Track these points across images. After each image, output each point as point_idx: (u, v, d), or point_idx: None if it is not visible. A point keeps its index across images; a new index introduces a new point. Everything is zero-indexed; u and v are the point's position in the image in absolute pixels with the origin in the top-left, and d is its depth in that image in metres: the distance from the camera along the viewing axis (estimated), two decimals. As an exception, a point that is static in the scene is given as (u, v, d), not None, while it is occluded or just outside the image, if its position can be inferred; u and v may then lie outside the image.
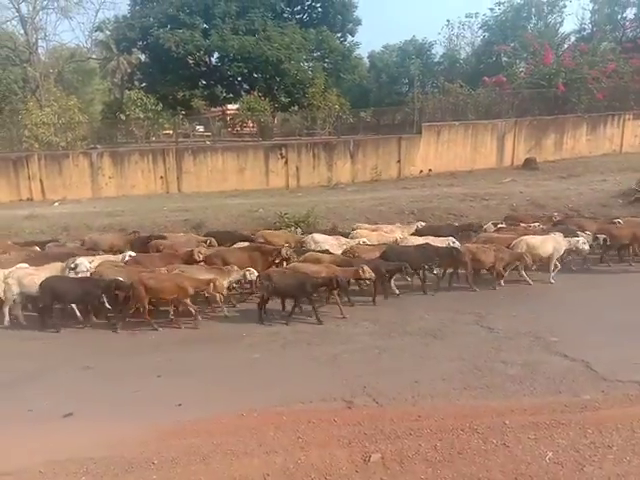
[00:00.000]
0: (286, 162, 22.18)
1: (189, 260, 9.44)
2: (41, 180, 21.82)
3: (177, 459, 4.50)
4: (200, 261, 9.40)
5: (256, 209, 16.36)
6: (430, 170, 22.46)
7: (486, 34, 33.88)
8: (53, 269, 8.79)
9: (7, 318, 8.45)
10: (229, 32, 26.38)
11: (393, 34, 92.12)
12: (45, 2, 30.37)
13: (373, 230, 12.04)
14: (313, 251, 10.08)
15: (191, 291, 8.04)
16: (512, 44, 30.27)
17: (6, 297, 8.41)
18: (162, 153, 22.43)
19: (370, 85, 36.10)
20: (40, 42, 32.04)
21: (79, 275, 8.52)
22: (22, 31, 30.87)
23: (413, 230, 11.99)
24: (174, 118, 26.65)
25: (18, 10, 29.82)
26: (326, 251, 10.00)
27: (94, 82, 40.25)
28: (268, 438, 4.80)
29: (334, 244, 10.63)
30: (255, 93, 25.66)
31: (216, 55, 28.70)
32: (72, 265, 8.60)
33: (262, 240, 11.25)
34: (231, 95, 30.25)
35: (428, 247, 9.81)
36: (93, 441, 4.80)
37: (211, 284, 8.01)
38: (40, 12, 30.68)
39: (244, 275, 8.74)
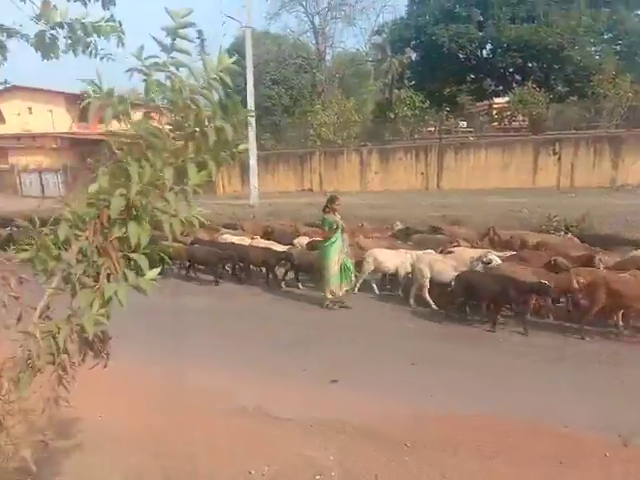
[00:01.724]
0: (559, 158, 20.14)
1: (585, 266, 8.06)
2: (320, 173, 25.00)
3: (429, 445, 4.60)
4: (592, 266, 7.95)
5: (519, 209, 15.34)
6: None
7: None
8: (459, 259, 8.72)
9: (413, 300, 8.70)
10: (506, 21, 25.21)
11: None
12: (334, 13, 34.39)
13: None
14: None
15: None
16: None
17: (418, 281, 8.61)
18: (424, 150, 23.03)
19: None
20: (328, 50, 36.52)
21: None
22: (314, 41, 35.66)
23: None
24: (438, 114, 26.99)
25: (312, 22, 34.60)
26: None
27: (368, 83, 43.75)
28: (523, 448, 4.50)
29: None
30: (529, 84, 23.88)
31: (488, 47, 27.80)
32: (485, 260, 8.34)
33: None
34: (500, 88, 28.97)
35: None
36: (353, 409, 5.28)
37: None
38: (330, 22, 34.98)
39: None
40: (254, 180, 20.94)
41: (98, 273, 1.65)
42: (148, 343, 6.89)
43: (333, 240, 8.60)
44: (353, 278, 9.03)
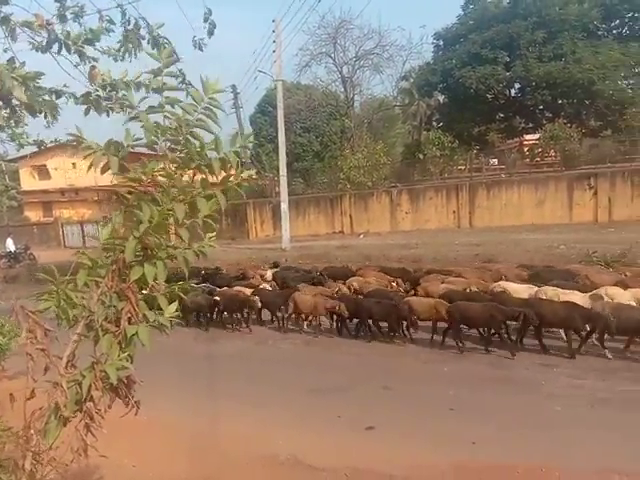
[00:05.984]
0: (595, 193, 19.69)
1: None
2: (350, 215, 25.11)
3: (471, 499, 4.32)
4: None
5: (557, 245, 14.92)
6: None
7: None
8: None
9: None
10: (534, 61, 25.38)
11: None
12: (362, 62, 35.38)
13: None
14: None
15: None
16: None
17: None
18: (455, 189, 22.94)
19: None
20: (356, 97, 37.43)
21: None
22: (342, 89, 36.67)
23: None
24: (468, 154, 27.00)
25: (341, 72, 35.68)
26: None
27: (396, 127, 44.38)
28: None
29: None
30: (560, 120, 23.72)
31: (517, 86, 27.96)
32: None
33: None
34: (530, 125, 28.86)
35: None
36: (391, 458, 5.05)
37: None
38: (357, 71, 35.99)
39: None
40: (286, 224, 21.17)
41: (119, 318, 1.65)
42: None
43: None
44: None
